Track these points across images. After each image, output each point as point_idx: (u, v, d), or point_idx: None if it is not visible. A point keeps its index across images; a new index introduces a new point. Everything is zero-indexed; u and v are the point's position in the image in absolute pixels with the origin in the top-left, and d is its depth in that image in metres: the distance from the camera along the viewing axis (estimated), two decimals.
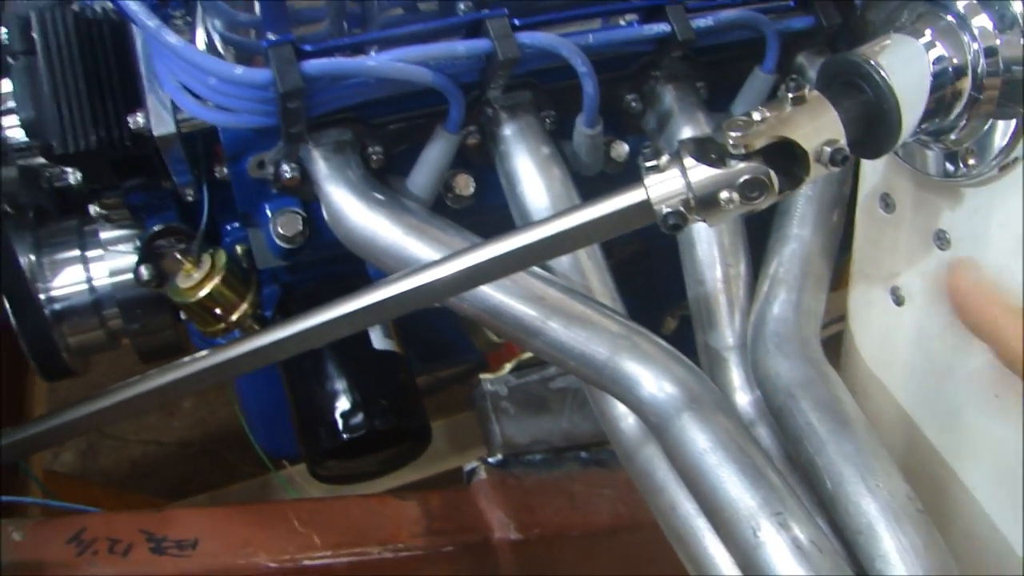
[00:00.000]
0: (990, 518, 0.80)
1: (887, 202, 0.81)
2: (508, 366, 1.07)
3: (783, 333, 0.83)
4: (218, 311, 0.96)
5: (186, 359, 0.81)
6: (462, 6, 0.89)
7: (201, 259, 0.96)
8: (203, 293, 0.94)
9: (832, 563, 0.68)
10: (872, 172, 0.82)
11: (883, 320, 0.85)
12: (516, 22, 0.82)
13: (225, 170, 0.92)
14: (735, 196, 0.62)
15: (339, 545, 0.90)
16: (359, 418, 0.96)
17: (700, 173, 0.62)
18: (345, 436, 0.96)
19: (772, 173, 0.62)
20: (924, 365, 0.82)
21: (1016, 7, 0.64)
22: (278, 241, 0.91)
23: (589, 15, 0.89)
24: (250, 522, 0.91)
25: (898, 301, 0.83)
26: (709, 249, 0.89)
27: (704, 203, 0.62)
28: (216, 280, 0.95)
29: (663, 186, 0.63)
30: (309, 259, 0.97)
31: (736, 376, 0.87)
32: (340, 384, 0.99)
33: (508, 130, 0.90)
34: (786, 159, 0.62)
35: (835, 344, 0.94)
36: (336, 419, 0.97)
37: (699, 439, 0.74)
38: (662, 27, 0.86)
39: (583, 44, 0.84)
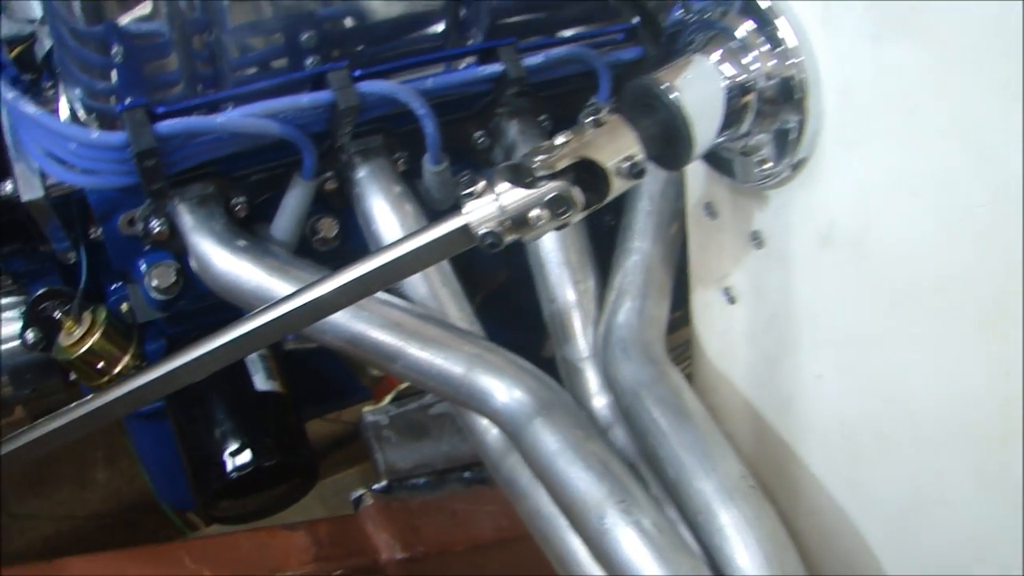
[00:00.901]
0: (828, 491, 0.87)
1: (710, 210, 0.88)
2: (388, 397, 1.12)
3: (628, 339, 0.90)
4: (101, 365, 1.00)
5: (64, 409, 0.84)
6: (309, 61, 0.95)
7: (81, 317, 1.00)
8: (84, 348, 0.98)
9: (672, 542, 0.75)
10: (695, 184, 0.89)
11: (720, 319, 0.92)
12: (356, 73, 0.89)
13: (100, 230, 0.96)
14: (545, 213, 0.68)
15: None
16: (246, 456, 1.01)
17: (511, 196, 0.68)
18: (233, 475, 1.01)
19: (576, 190, 0.68)
20: (758, 356, 0.89)
21: (782, 32, 0.72)
22: (154, 294, 0.96)
23: (424, 62, 0.96)
24: (142, 563, 0.94)
25: (731, 300, 0.90)
26: (559, 269, 0.96)
27: (517, 222, 0.68)
28: (97, 335, 0.99)
29: (480, 211, 0.69)
30: (187, 309, 1.01)
31: (592, 383, 0.93)
32: (226, 426, 1.03)
33: (361, 173, 0.96)
34: (590, 176, 0.69)
35: None
36: (224, 459, 1.01)
37: (550, 441, 0.80)
38: (495, 67, 0.93)
39: (422, 88, 0.91)
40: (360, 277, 0.73)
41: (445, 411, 1.11)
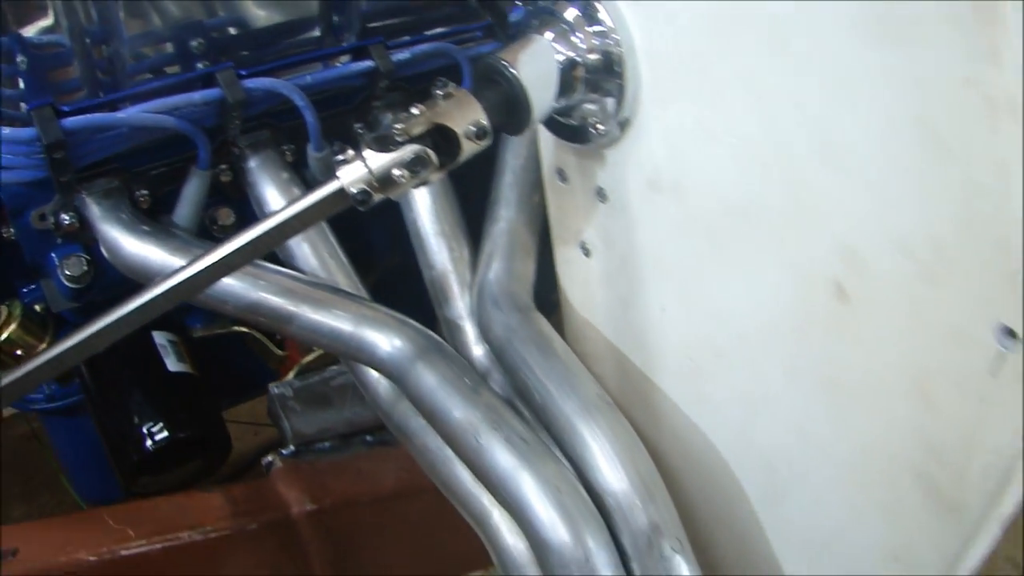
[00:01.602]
0: (682, 410, 0.99)
1: (561, 175, 1.01)
2: (292, 372, 1.23)
3: (498, 293, 1.02)
4: (20, 353, 1.08)
5: None
6: (200, 66, 1.05)
7: None
8: (2, 338, 1.06)
9: (539, 450, 0.87)
10: (548, 153, 1.02)
11: (580, 271, 1.05)
12: (242, 72, 1.00)
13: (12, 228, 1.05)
14: (405, 173, 0.80)
15: (152, 534, 1.03)
16: (162, 430, 1.10)
17: (377, 160, 0.80)
18: (151, 448, 1.09)
19: (430, 152, 0.80)
20: (614, 300, 1.02)
21: (602, 15, 0.85)
22: (67, 283, 1.05)
23: (303, 62, 1.07)
24: (67, 527, 1.02)
25: (587, 253, 1.03)
26: (435, 239, 1.08)
27: (383, 182, 0.80)
28: (13, 326, 1.07)
29: (351, 174, 0.80)
30: (99, 298, 1.10)
31: (470, 336, 1.05)
32: (142, 405, 1.12)
33: (252, 163, 1.07)
34: (443, 140, 0.81)
35: None
36: (142, 434, 1.10)
37: (430, 379, 0.92)
38: (366, 64, 1.05)
39: (303, 84, 1.02)
40: (252, 239, 0.84)
41: (346, 382, 1.22)
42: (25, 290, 1.15)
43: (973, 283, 0.66)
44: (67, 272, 1.04)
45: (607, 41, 0.85)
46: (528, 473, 0.84)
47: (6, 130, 0.90)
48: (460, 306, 1.06)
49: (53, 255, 1.05)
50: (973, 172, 0.62)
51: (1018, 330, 0.64)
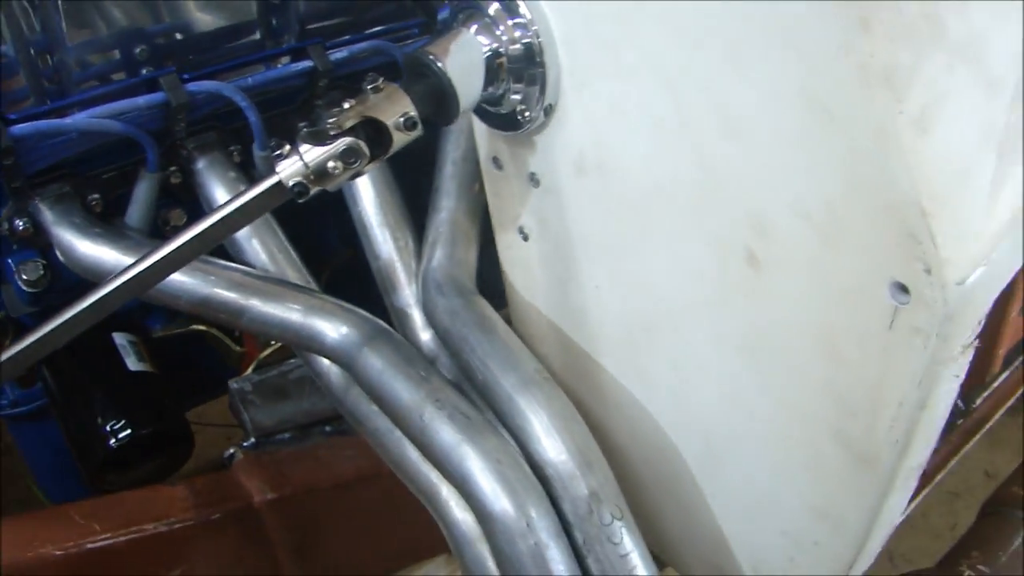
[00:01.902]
0: (622, 384, 1.03)
1: (497, 163, 1.05)
2: (251, 368, 1.26)
3: (441, 279, 1.06)
4: None
5: None
6: (144, 71, 1.09)
7: None
8: None
9: (480, 423, 0.91)
10: (482, 142, 1.06)
11: (521, 255, 1.09)
12: (185, 76, 1.03)
13: None
14: (339, 164, 0.83)
15: (117, 527, 1.06)
16: (124, 427, 1.13)
17: (312, 153, 0.83)
18: (114, 444, 1.13)
19: (362, 143, 0.84)
20: (553, 281, 1.06)
21: (521, 8, 0.88)
22: (24, 287, 1.08)
23: (244, 64, 1.10)
24: (33, 524, 1.05)
25: (525, 238, 1.06)
26: (380, 230, 1.12)
27: (318, 174, 0.83)
28: None
29: (288, 168, 0.84)
30: (56, 302, 1.13)
31: (417, 322, 1.09)
32: (104, 404, 1.16)
33: (200, 164, 1.10)
34: (374, 132, 0.85)
35: None
36: (105, 431, 1.13)
37: (376, 363, 0.96)
38: (306, 64, 1.09)
39: (244, 86, 1.06)
40: (198, 234, 0.87)
41: (303, 375, 1.25)
42: None
43: (866, 243, 0.70)
44: (24, 277, 1.07)
45: (527, 32, 0.89)
46: (470, 447, 0.88)
47: None
48: (407, 294, 1.10)
49: (9, 261, 1.09)
50: (855, 138, 0.66)
51: (909, 285, 0.69)
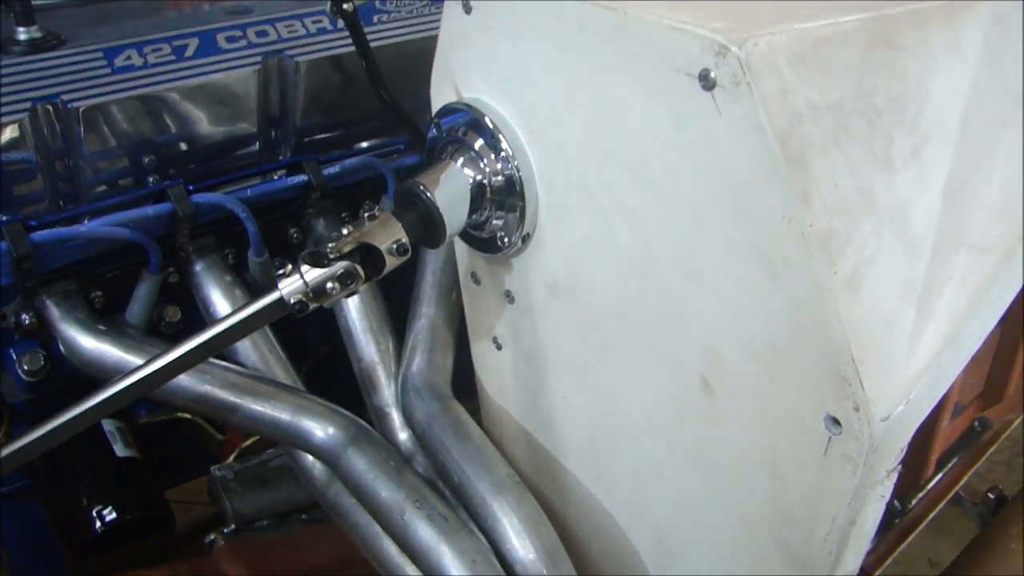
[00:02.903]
0: (585, 486, 1.12)
1: (475, 279, 1.14)
2: (232, 456, 1.33)
3: (419, 384, 1.14)
4: None
5: None
6: (151, 179, 1.17)
7: None
8: None
9: (456, 526, 0.99)
10: (462, 258, 1.15)
11: (493, 363, 1.17)
12: (191, 187, 1.12)
13: None
14: (337, 285, 0.92)
15: None
16: (111, 512, 1.19)
17: (312, 274, 0.91)
18: (100, 529, 1.18)
19: (358, 267, 0.92)
20: (523, 389, 1.15)
21: (503, 144, 0.98)
22: (24, 376, 1.14)
23: (249, 175, 1.19)
24: None
25: (498, 347, 1.15)
26: (364, 335, 1.20)
27: (317, 293, 0.92)
28: None
29: (290, 287, 0.91)
30: (51, 391, 1.19)
31: (396, 422, 1.17)
32: (91, 488, 1.21)
33: (198, 267, 1.19)
34: (369, 255, 0.94)
35: None
36: (91, 517, 1.19)
37: (360, 464, 1.04)
38: (301, 178, 1.18)
39: (243, 197, 1.15)
40: (202, 342, 0.95)
41: (283, 464, 1.32)
42: None
43: (805, 380, 0.80)
44: (25, 367, 1.14)
45: (509, 167, 0.98)
46: (447, 546, 0.96)
47: None
48: (387, 395, 1.18)
49: (11, 351, 1.15)
50: (796, 292, 0.77)
51: (841, 419, 0.79)
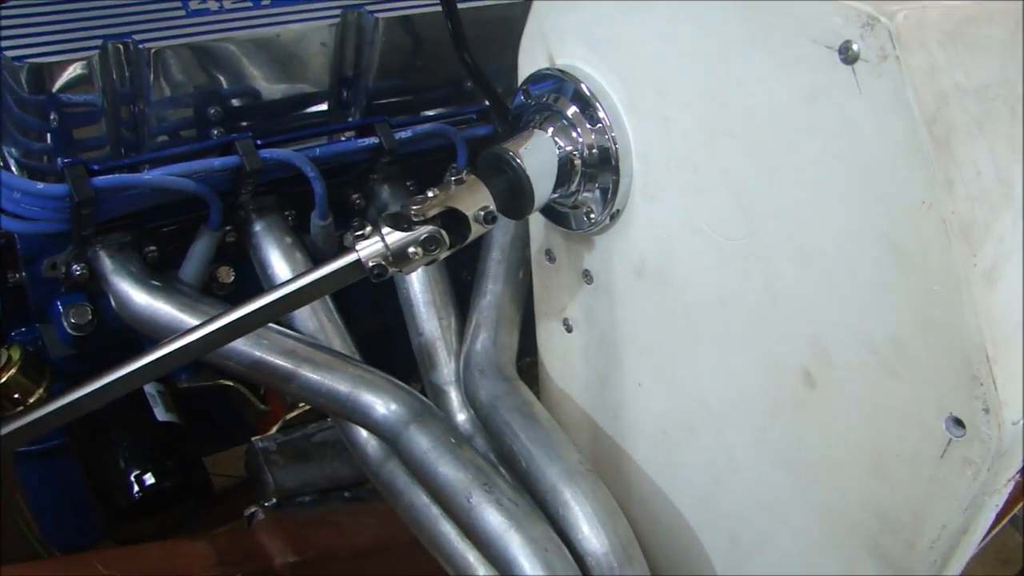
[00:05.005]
0: (653, 480, 1.07)
1: (550, 256, 1.09)
2: (275, 427, 1.28)
3: (483, 363, 1.09)
4: (17, 396, 1.11)
5: None
6: (215, 132, 1.12)
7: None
8: (2, 381, 1.10)
9: (527, 511, 0.93)
10: (537, 234, 1.10)
11: (561, 345, 1.12)
12: (258, 142, 1.07)
13: (18, 275, 1.09)
14: (419, 250, 0.86)
15: None
16: (149, 477, 1.14)
17: (394, 237, 0.86)
18: (138, 494, 1.13)
19: (443, 232, 0.87)
20: (592, 374, 1.10)
21: (600, 114, 0.93)
22: (70, 331, 1.09)
23: (317, 134, 1.14)
24: (56, 571, 1.05)
25: (568, 329, 1.10)
26: (425, 308, 1.15)
27: (398, 257, 0.86)
28: (13, 370, 1.11)
29: (369, 249, 0.86)
30: (96, 348, 1.14)
31: (455, 402, 1.12)
32: (130, 452, 1.16)
33: (258, 227, 1.13)
34: (454, 222, 0.89)
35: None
36: (130, 481, 1.14)
37: (423, 442, 0.98)
38: (372, 140, 1.13)
39: (312, 156, 1.09)
40: (269, 303, 0.90)
41: (326, 439, 1.27)
42: (14, 333, 1.19)
43: (928, 378, 0.75)
44: (72, 320, 1.09)
45: (604, 139, 0.93)
46: (517, 533, 0.91)
47: (39, 184, 0.96)
48: (446, 372, 1.13)
49: (58, 303, 1.10)
50: (930, 283, 0.72)
51: (966, 421, 0.74)
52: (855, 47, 0.71)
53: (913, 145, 0.70)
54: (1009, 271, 0.73)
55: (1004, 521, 1.36)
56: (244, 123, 1.13)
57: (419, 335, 1.15)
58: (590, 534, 0.93)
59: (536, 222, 1.09)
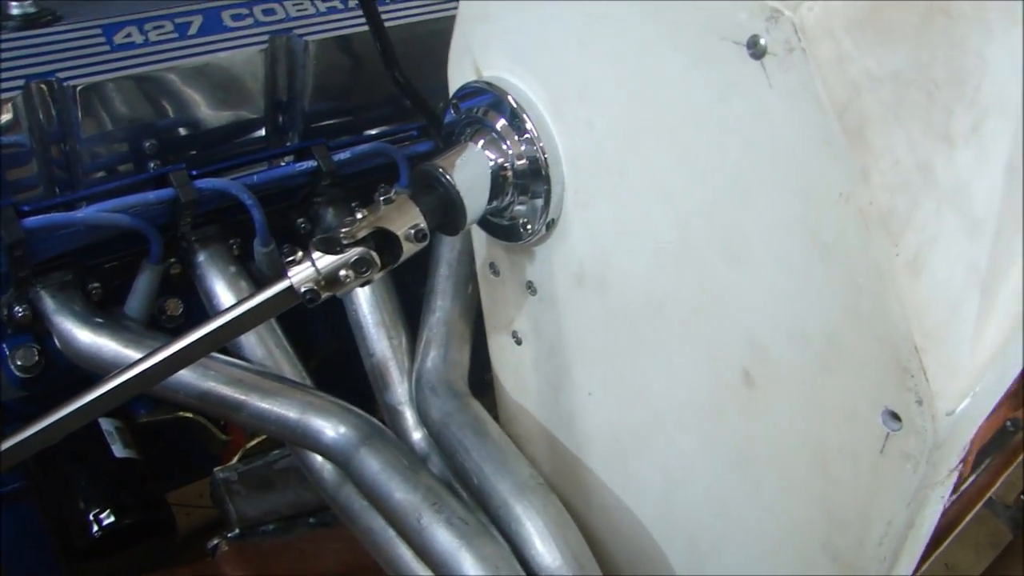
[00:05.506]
0: (610, 488, 1.06)
1: (494, 269, 1.08)
2: (236, 457, 1.27)
3: (434, 380, 1.08)
4: None
5: None
6: (152, 164, 1.11)
7: None
8: None
9: (478, 530, 0.92)
10: (480, 248, 1.09)
11: (512, 358, 1.12)
12: (194, 172, 1.06)
13: None
14: (351, 273, 0.85)
15: None
16: (108, 516, 1.13)
17: (324, 261, 0.85)
18: (97, 534, 1.12)
19: (373, 253, 0.86)
20: (544, 385, 1.09)
21: (527, 125, 0.92)
22: (17, 372, 1.08)
23: (256, 160, 1.13)
24: None
25: (518, 342, 1.10)
26: (375, 329, 1.14)
27: (330, 281, 0.85)
28: None
29: (301, 275, 0.85)
30: (46, 389, 1.13)
31: (409, 421, 1.11)
32: (88, 490, 1.15)
33: (201, 257, 1.13)
34: (386, 241, 0.88)
35: None
36: (88, 519, 1.13)
37: (373, 465, 0.98)
38: (310, 163, 1.12)
39: (250, 183, 1.09)
40: (206, 335, 0.89)
41: (288, 465, 1.26)
42: None
43: (861, 371, 0.74)
44: (19, 362, 1.08)
45: (533, 149, 0.92)
46: (468, 552, 0.90)
47: None
48: (400, 392, 1.12)
49: (4, 345, 1.09)
50: (854, 275, 0.71)
51: (901, 414, 0.73)
52: (762, 41, 0.70)
53: (826, 137, 0.69)
54: (934, 259, 0.72)
55: (972, 512, 1.35)
56: (181, 154, 1.12)
57: (370, 356, 1.14)
58: (542, 548, 0.92)
59: (479, 236, 1.08)
